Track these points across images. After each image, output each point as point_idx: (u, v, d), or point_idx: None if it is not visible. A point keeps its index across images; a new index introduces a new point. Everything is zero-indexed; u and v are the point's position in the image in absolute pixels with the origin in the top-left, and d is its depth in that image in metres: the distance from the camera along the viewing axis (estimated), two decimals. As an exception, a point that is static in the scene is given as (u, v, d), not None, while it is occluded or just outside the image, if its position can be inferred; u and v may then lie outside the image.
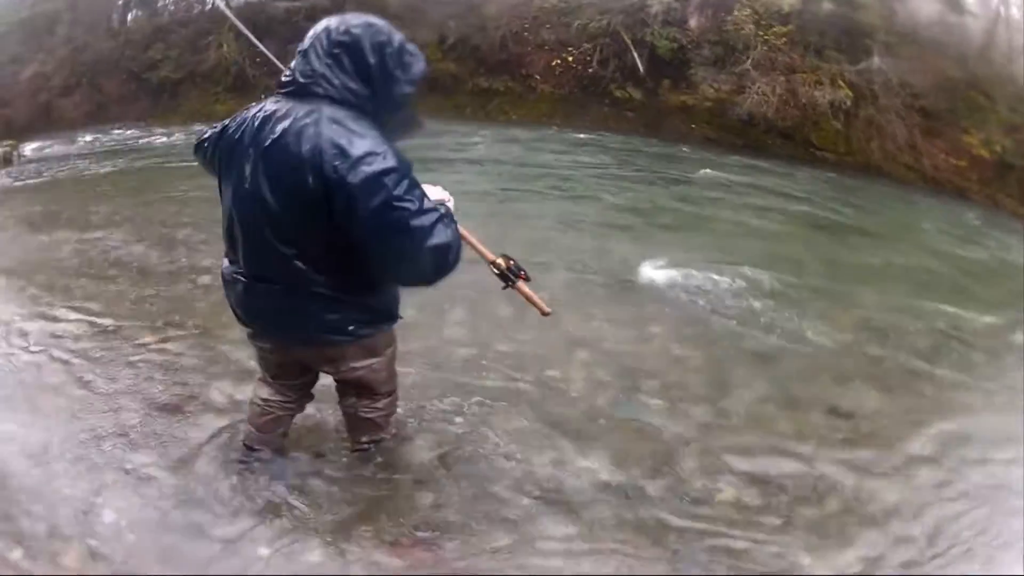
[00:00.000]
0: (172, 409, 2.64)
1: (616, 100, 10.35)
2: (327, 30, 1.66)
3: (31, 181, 8.33)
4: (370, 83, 1.66)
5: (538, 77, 10.39)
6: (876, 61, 10.88)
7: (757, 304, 4.31)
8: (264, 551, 1.97)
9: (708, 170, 8.71)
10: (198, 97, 11.99)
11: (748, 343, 3.75)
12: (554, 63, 10.38)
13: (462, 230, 1.84)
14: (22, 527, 2.01)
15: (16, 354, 3.10)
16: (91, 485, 2.18)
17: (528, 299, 2.06)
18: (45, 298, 3.81)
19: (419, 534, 2.09)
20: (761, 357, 3.59)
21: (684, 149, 10.01)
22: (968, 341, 4.18)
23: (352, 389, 2.09)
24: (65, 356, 3.06)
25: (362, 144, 1.56)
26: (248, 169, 1.66)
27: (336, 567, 1.95)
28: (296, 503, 2.14)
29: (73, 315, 3.51)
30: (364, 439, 2.21)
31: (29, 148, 10.81)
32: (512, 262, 2.05)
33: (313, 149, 1.56)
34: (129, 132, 11.84)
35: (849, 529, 2.30)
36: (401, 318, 2.00)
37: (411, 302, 3.07)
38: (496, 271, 2.03)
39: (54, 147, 11.17)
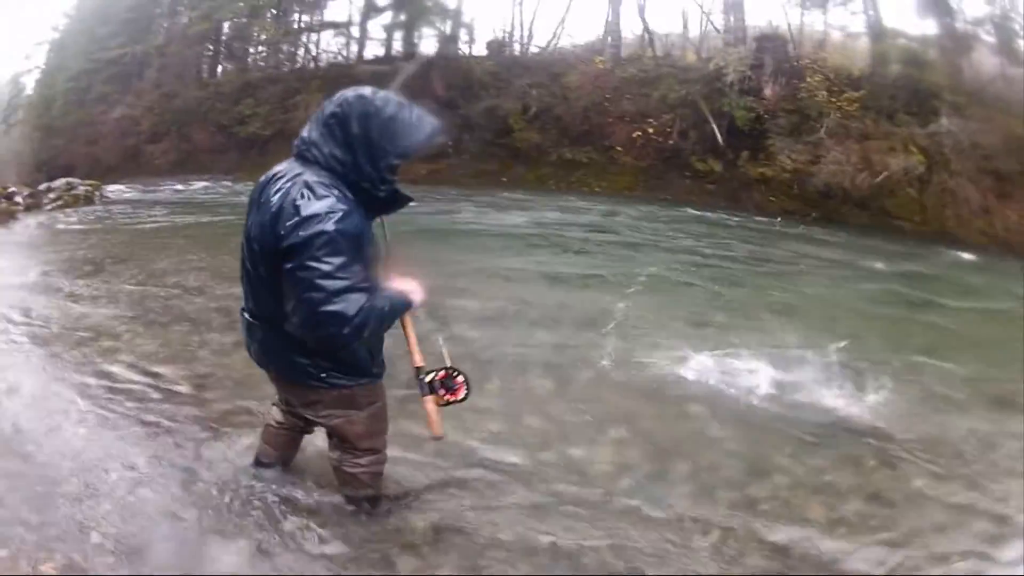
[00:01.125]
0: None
1: (697, 172, 10.65)
2: (329, 101, 1.80)
3: (108, 222, 8.43)
4: (353, 152, 1.76)
5: (620, 149, 10.71)
6: (945, 123, 11.03)
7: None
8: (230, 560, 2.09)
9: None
10: (286, 154, 12.37)
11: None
12: (635, 135, 10.69)
13: (407, 324, 2.01)
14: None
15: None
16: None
17: (427, 415, 2.08)
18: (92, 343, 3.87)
19: None
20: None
21: (762, 220, 10.25)
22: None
23: (333, 439, 2.17)
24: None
25: (314, 206, 1.68)
26: (250, 219, 1.86)
27: None
28: (279, 532, 2.22)
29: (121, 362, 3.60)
30: (349, 493, 2.27)
31: (112, 189, 11.11)
32: (441, 375, 2.08)
33: (281, 206, 1.72)
34: (214, 184, 12.15)
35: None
36: (379, 376, 2.07)
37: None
38: (416, 375, 2.07)
39: (137, 191, 11.48)
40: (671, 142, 10.68)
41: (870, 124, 10.95)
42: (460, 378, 2.11)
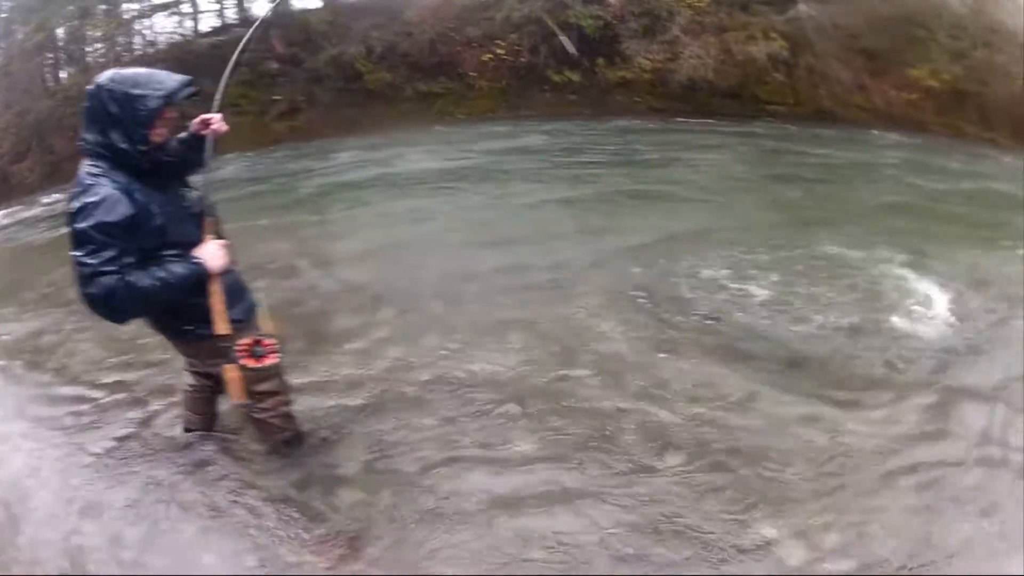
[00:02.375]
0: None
1: (555, 85, 10.13)
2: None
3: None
4: (107, 134, 1.85)
5: (474, 74, 10.16)
6: (803, 8, 10.81)
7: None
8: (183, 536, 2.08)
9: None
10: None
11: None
12: (486, 57, 10.17)
13: (214, 292, 2.01)
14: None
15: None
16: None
17: (227, 382, 2.09)
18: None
19: (341, 533, 2.05)
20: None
21: (634, 123, 9.79)
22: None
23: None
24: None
25: (74, 203, 1.83)
26: None
27: (260, 567, 1.96)
28: (221, 497, 2.19)
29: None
30: (268, 440, 2.34)
31: (-9, 216, 10.56)
32: (248, 342, 2.09)
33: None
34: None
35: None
36: (242, 322, 2.08)
37: (342, 308, 3.62)
38: (220, 343, 2.07)
39: (16, 213, 10.82)
40: (523, 60, 10.17)
41: (725, 17, 10.61)
42: (270, 343, 2.13)
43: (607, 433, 2.53)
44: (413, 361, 3.07)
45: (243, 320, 2.13)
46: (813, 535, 2.04)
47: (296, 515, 2.15)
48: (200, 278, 1.95)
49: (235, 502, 2.21)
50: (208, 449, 2.43)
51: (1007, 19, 12.76)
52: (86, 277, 1.79)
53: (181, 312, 2.03)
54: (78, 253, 1.79)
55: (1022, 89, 12.01)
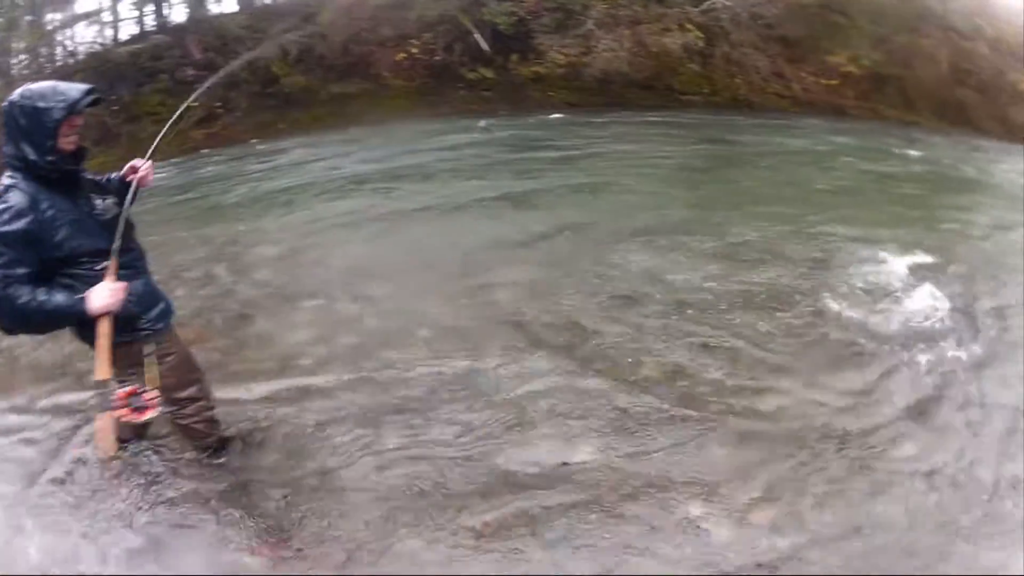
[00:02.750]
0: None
1: (471, 83, 10.15)
2: None
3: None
4: (19, 146, 1.91)
5: (388, 74, 10.17)
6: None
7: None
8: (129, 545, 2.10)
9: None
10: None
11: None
12: (399, 57, 10.18)
13: (101, 336, 1.98)
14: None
15: None
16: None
17: (96, 432, 2.10)
18: None
19: (274, 532, 2.12)
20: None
21: (549, 118, 9.84)
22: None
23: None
24: None
25: None
26: None
27: (200, 569, 2.00)
28: (157, 505, 2.24)
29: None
30: (195, 445, 2.40)
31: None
32: (124, 390, 2.06)
33: None
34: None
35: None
36: (153, 331, 2.12)
37: (259, 311, 3.75)
38: (97, 387, 2.04)
39: None
40: (438, 58, 10.18)
41: (640, 10, 10.67)
42: (151, 396, 2.07)
43: (526, 419, 2.63)
44: (331, 360, 3.15)
45: (160, 328, 2.16)
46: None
47: (231, 516, 2.20)
48: (79, 317, 1.96)
49: (171, 508, 2.26)
50: (140, 457, 2.48)
51: (935, 4, 12.91)
52: None
53: (90, 323, 2.03)
54: None
55: (946, 72, 12.21)
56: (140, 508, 2.25)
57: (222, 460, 2.42)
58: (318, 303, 3.84)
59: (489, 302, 3.71)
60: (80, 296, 1.95)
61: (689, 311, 3.50)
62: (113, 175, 2.20)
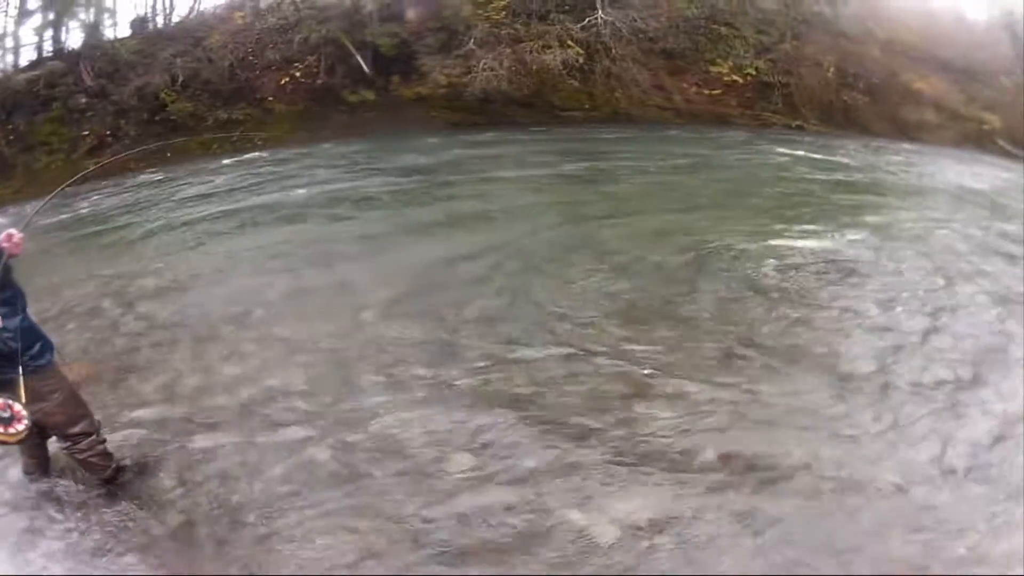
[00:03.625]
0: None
1: (352, 105, 10.43)
2: None
3: None
4: None
5: (272, 98, 10.42)
6: (600, 15, 11.16)
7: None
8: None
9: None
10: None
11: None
12: (283, 81, 10.43)
13: None
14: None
15: None
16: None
17: None
18: None
19: (173, 555, 2.29)
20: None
21: (429, 140, 10.14)
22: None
23: (51, 432, 2.40)
24: None
25: None
26: None
27: None
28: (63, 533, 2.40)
29: None
30: (95, 479, 2.53)
31: None
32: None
33: None
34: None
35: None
36: (33, 365, 2.23)
37: (143, 343, 3.91)
38: None
39: None
40: (320, 81, 10.44)
41: (521, 28, 10.92)
42: (20, 411, 2.19)
43: (400, 442, 2.83)
44: (211, 387, 3.31)
45: (41, 364, 2.26)
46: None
47: (132, 539, 2.37)
48: None
49: (79, 533, 2.40)
50: (44, 487, 2.64)
51: (825, 9, 13.26)
52: None
53: None
54: None
55: (833, 76, 12.61)
56: (44, 534, 2.40)
57: (118, 486, 2.55)
58: (197, 333, 3.99)
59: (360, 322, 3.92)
60: None
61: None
62: None
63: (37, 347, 2.27)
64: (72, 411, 2.36)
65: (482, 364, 3.39)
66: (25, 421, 2.21)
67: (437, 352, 3.54)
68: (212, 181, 8.91)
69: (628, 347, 3.48)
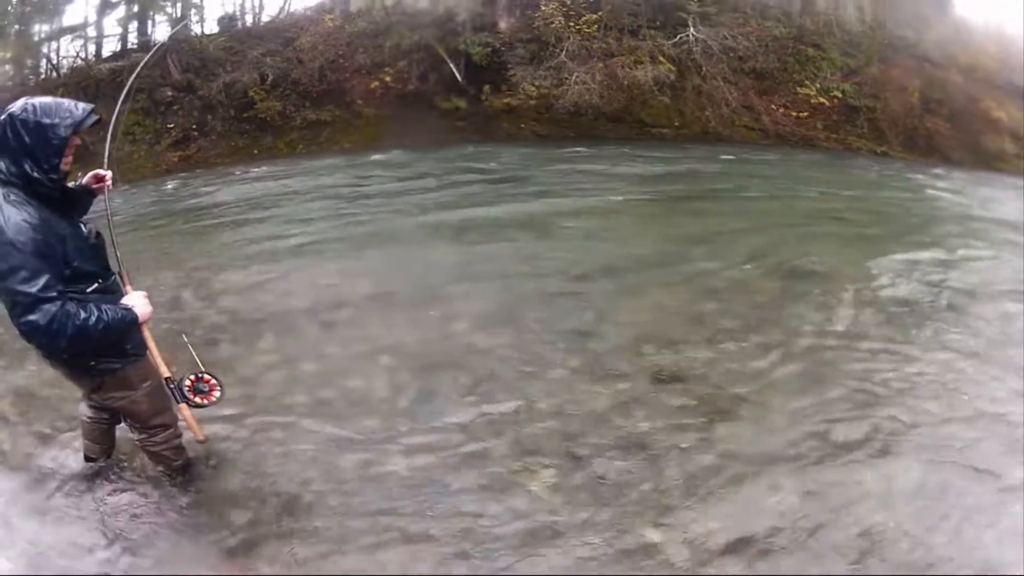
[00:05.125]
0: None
1: (442, 112, 10.34)
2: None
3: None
4: (19, 163, 1.87)
5: (361, 102, 10.34)
6: (692, 32, 11.02)
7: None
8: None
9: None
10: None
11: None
12: (373, 85, 10.35)
13: (147, 337, 2.20)
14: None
15: None
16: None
17: (185, 420, 2.37)
18: None
19: (237, 553, 2.23)
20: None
21: (519, 150, 10.03)
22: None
23: (129, 421, 2.35)
24: None
25: (2, 237, 1.82)
26: None
27: None
28: (115, 523, 2.37)
29: None
30: (162, 469, 2.49)
31: None
32: (188, 381, 2.32)
33: None
34: None
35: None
36: (140, 356, 2.19)
37: (225, 337, 3.84)
38: (167, 385, 2.28)
39: None
40: (411, 87, 10.35)
41: (613, 42, 10.82)
42: (211, 380, 2.34)
43: (481, 447, 2.75)
44: (292, 386, 3.24)
45: (139, 353, 2.20)
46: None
47: (194, 536, 2.32)
48: (131, 325, 2.03)
49: (136, 526, 2.37)
50: (108, 477, 2.61)
51: (908, 33, 13.06)
52: (27, 306, 1.79)
53: (92, 349, 2.06)
54: (13, 284, 1.79)
55: (917, 101, 12.41)
56: (105, 523, 2.37)
57: (184, 482, 2.49)
58: (282, 329, 3.91)
59: (449, 333, 3.81)
60: (125, 308, 2.02)
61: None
62: (74, 184, 2.16)
63: (139, 335, 2.19)
64: (157, 402, 2.28)
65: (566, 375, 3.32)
66: (218, 389, 2.35)
67: (523, 364, 3.42)
68: (297, 181, 8.84)
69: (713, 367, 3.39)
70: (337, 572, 2.17)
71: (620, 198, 7.66)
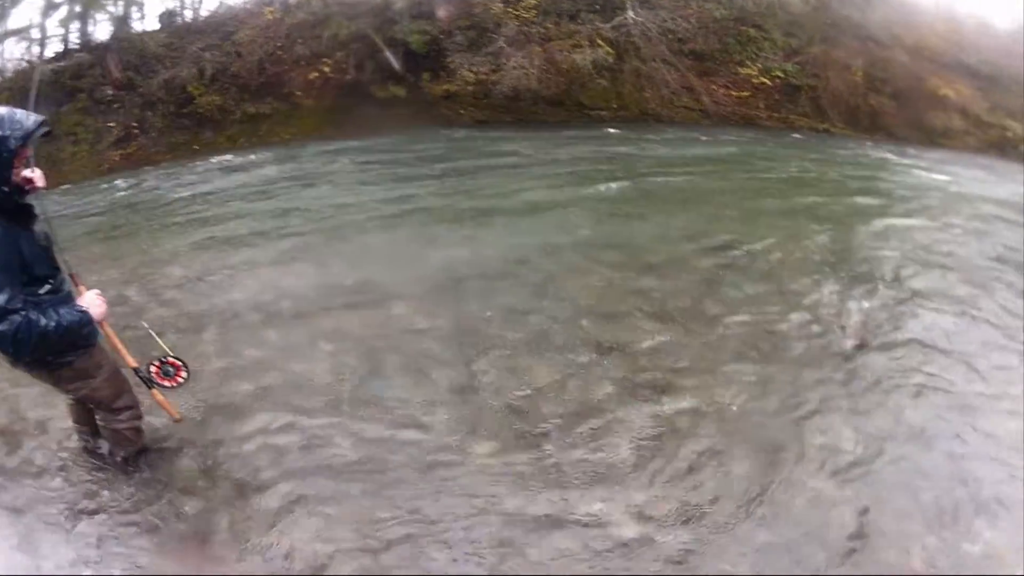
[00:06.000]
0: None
1: (381, 101, 10.38)
2: None
3: None
4: None
5: (300, 93, 10.38)
6: (631, 15, 11.11)
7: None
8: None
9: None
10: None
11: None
12: (312, 76, 10.40)
13: (108, 333, 2.27)
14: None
15: None
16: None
17: (159, 404, 2.46)
18: None
19: (191, 538, 2.29)
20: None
21: (457, 135, 10.09)
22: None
23: (93, 406, 2.45)
24: None
25: None
26: None
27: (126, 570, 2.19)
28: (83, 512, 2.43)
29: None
30: (121, 453, 2.55)
31: None
32: (154, 367, 2.39)
33: None
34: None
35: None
36: (91, 344, 2.23)
37: (168, 329, 3.84)
38: (136, 374, 2.37)
39: None
40: (349, 77, 10.40)
41: (551, 27, 10.90)
42: (176, 361, 2.42)
43: (421, 424, 2.84)
44: (236, 373, 3.32)
45: (89, 343, 2.23)
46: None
47: (151, 521, 2.38)
48: (88, 325, 2.09)
49: (92, 515, 2.43)
50: (68, 466, 2.68)
51: (853, 13, 13.18)
52: None
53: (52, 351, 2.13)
54: None
55: (860, 80, 12.52)
56: (63, 512, 2.43)
57: (139, 468, 2.56)
58: (222, 320, 4.01)
59: (388, 317, 3.88)
60: (80, 309, 2.08)
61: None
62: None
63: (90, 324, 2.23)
64: (117, 384, 2.36)
65: (508, 353, 3.37)
66: (183, 371, 2.43)
67: (463, 343, 3.50)
68: (240, 173, 8.88)
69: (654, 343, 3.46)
70: (289, 554, 2.24)
71: (556, 181, 7.76)
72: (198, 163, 9.72)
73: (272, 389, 3.16)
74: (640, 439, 2.72)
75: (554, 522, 2.30)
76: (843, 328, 3.68)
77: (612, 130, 10.33)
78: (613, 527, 2.27)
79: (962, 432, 2.77)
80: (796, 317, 3.82)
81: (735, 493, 2.42)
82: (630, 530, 2.26)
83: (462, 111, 10.37)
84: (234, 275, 4.92)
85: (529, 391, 3.05)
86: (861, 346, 3.44)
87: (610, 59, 10.72)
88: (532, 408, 2.93)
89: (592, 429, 2.77)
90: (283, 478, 2.55)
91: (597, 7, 11.20)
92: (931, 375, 3.23)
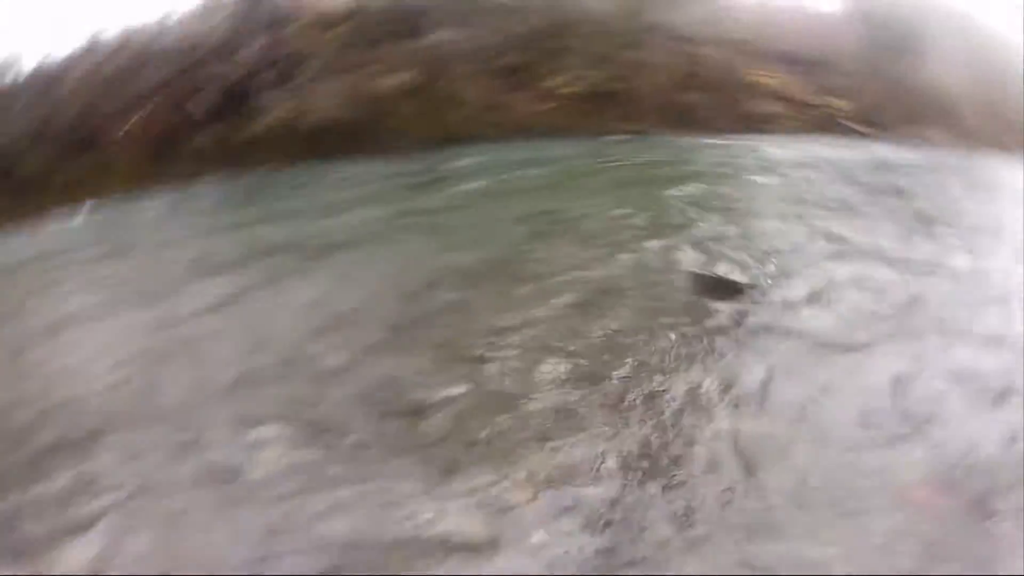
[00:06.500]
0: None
1: (194, 151, 10.87)
2: None
3: None
4: None
5: (115, 148, 10.86)
6: (440, 35, 11.69)
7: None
8: None
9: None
10: None
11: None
12: (123, 132, 10.89)
13: None
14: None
15: None
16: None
17: None
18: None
19: None
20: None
21: (266, 179, 10.43)
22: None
23: None
24: None
25: None
26: None
27: None
28: None
29: None
30: None
31: None
32: None
33: None
34: None
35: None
36: None
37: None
38: None
39: None
40: (157, 130, 10.89)
41: (356, 56, 11.50)
42: None
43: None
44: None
45: None
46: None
47: None
48: None
49: None
50: None
51: (662, 17, 13.83)
52: None
53: None
54: None
55: (670, 79, 13.27)
56: None
57: None
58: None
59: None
60: None
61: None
62: None
63: None
64: None
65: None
66: None
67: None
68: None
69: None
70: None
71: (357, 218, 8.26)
72: (25, 228, 9.97)
73: (52, 410, 3.62)
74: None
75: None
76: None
77: (416, 155, 10.88)
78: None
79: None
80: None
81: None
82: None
83: (270, 151, 10.90)
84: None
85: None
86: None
87: (415, 82, 11.32)
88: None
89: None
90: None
91: (405, 31, 11.76)
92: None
